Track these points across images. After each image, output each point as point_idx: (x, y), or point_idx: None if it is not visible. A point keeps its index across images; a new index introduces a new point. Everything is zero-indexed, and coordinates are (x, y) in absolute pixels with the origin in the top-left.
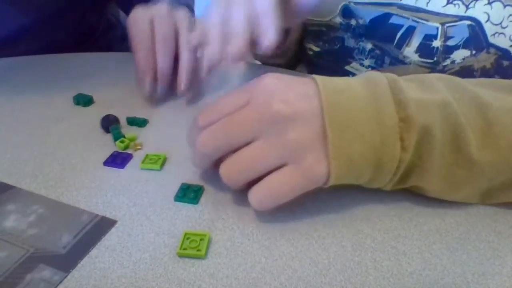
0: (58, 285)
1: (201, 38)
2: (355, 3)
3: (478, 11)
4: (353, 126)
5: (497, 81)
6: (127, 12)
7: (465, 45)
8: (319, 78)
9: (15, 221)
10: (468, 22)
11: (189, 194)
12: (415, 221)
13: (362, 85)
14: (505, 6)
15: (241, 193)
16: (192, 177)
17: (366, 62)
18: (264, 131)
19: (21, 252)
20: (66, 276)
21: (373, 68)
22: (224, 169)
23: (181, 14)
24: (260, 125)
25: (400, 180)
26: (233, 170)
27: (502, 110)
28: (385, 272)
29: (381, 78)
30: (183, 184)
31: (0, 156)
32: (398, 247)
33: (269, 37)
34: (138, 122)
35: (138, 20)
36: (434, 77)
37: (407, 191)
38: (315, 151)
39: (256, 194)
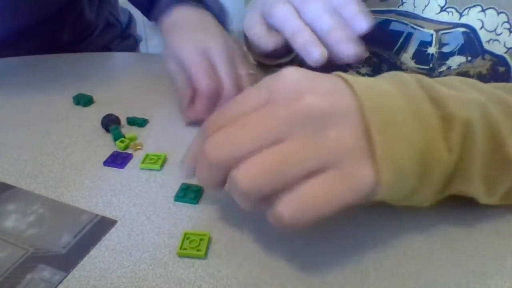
0: (58, 285)
1: (295, 43)
2: None
3: (472, 19)
4: (397, 126)
5: (508, 85)
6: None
7: (460, 51)
8: (342, 74)
9: (15, 221)
10: (463, 29)
11: (189, 194)
12: (415, 221)
13: (390, 84)
14: (498, 13)
15: None
16: (192, 177)
17: (363, 70)
18: (295, 129)
19: (21, 252)
20: (66, 276)
21: (370, 76)
22: (242, 174)
23: (236, 50)
24: (289, 123)
25: (443, 188)
26: (254, 175)
27: None
28: (385, 272)
29: (407, 76)
30: (183, 184)
31: (0, 156)
32: (398, 247)
33: (361, 20)
34: (138, 122)
35: (193, 56)
36: (456, 79)
37: None
38: (359, 153)
39: (287, 206)
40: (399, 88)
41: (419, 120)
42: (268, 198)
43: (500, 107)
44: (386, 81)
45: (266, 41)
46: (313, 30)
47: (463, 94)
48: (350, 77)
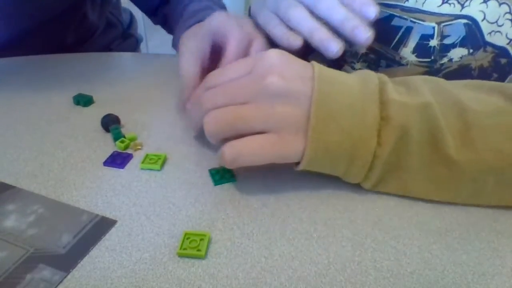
0: (58, 285)
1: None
2: None
3: (474, 10)
4: (336, 119)
5: (483, 84)
6: (142, 8)
7: (462, 43)
8: (317, 65)
9: (15, 221)
10: (464, 21)
11: (224, 175)
12: (415, 221)
13: (355, 81)
14: (500, 4)
15: (241, 193)
16: (193, 177)
17: (358, 65)
18: (256, 98)
19: (21, 252)
20: (66, 276)
21: None
22: (208, 119)
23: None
24: (253, 93)
25: (380, 179)
26: (216, 122)
27: (482, 114)
28: (385, 272)
29: (373, 78)
30: (211, 170)
31: (0, 156)
32: (398, 247)
33: (370, 8)
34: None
35: (225, 20)
36: (421, 80)
37: None
38: (297, 130)
39: (230, 148)
40: (360, 87)
41: (361, 115)
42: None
43: (454, 109)
44: (354, 79)
45: (294, 40)
46: (328, 23)
47: (411, 98)
48: (320, 68)
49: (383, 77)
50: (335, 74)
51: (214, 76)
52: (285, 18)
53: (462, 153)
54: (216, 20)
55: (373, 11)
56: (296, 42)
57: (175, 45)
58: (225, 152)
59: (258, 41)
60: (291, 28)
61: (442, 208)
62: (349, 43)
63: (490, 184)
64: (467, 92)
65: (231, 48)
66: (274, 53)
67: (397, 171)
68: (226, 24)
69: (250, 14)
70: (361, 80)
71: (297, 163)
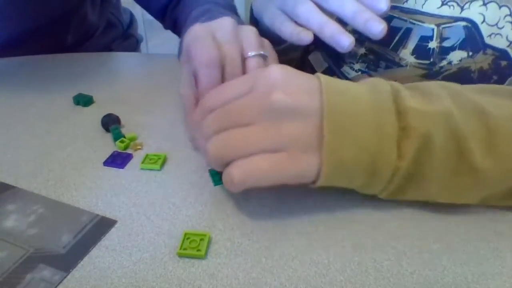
0: (58, 285)
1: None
2: None
3: (473, 12)
4: (351, 130)
5: (498, 88)
6: (147, 8)
7: (462, 46)
8: (323, 77)
9: (15, 221)
10: (464, 23)
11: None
12: (415, 221)
13: (365, 90)
14: (500, 6)
15: (241, 193)
16: (193, 177)
17: (357, 66)
18: (261, 117)
19: (21, 252)
20: (66, 276)
21: (364, 72)
22: (211, 145)
23: (248, 33)
24: (258, 112)
25: (398, 189)
26: (220, 147)
27: (503, 119)
28: (385, 272)
29: (384, 85)
30: (211, 171)
31: (0, 156)
32: (398, 247)
33: (380, 1)
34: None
35: (199, 38)
36: (438, 85)
37: None
38: (308, 147)
39: (238, 168)
40: (371, 96)
41: (377, 126)
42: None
43: (476, 115)
44: (364, 87)
45: (305, 35)
46: (339, 17)
47: (431, 106)
48: (326, 80)
49: (395, 84)
50: (343, 84)
51: (211, 97)
52: (294, 14)
53: (487, 161)
54: (186, 40)
55: (385, 3)
56: (308, 37)
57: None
58: (233, 173)
59: (220, 24)
60: (299, 24)
61: (442, 208)
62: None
63: (508, 193)
64: (485, 97)
65: (200, 77)
66: (275, 68)
67: (417, 181)
68: (192, 45)
69: (251, 13)
70: (371, 89)
71: (312, 182)
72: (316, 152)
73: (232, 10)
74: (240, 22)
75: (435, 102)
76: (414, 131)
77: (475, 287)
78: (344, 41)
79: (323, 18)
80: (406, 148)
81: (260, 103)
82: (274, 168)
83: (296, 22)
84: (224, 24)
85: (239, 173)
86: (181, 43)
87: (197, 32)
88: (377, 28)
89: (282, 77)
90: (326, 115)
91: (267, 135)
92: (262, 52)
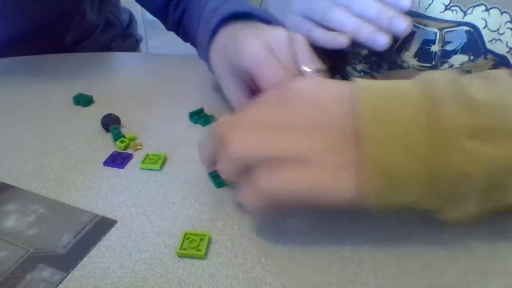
0: (58, 285)
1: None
2: None
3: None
4: (398, 137)
5: None
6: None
7: (463, 50)
8: (360, 80)
9: (15, 221)
10: (466, 28)
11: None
12: (415, 221)
13: (414, 87)
14: (502, 13)
15: None
16: (193, 177)
17: (359, 66)
18: (290, 127)
19: (21, 252)
20: (66, 276)
21: (366, 73)
22: (237, 138)
23: (302, 46)
24: (286, 121)
25: (476, 205)
26: (246, 142)
27: None
28: (385, 272)
29: (439, 77)
30: (211, 173)
31: (0, 156)
32: (398, 247)
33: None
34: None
35: (263, 60)
36: (506, 73)
37: None
38: (345, 159)
39: (269, 178)
40: (422, 92)
41: (431, 125)
42: (249, 171)
43: None
44: (412, 84)
45: (342, 39)
46: (364, 19)
47: (504, 96)
48: (364, 83)
49: (451, 74)
50: (384, 84)
51: (240, 118)
52: (325, 20)
53: None
54: (244, 57)
55: (408, 1)
56: (345, 40)
57: (203, 55)
58: (262, 184)
59: (276, 36)
60: (329, 29)
61: None
62: (356, 43)
63: None
64: None
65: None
66: (302, 81)
67: (498, 184)
68: (256, 67)
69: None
70: (421, 83)
71: (352, 200)
72: (354, 163)
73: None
74: (257, 8)
75: (505, 92)
76: (487, 128)
77: (475, 287)
78: (381, 40)
79: (357, 20)
80: (476, 148)
81: (288, 118)
82: (308, 180)
83: (324, 27)
84: (280, 39)
85: (269, 186)
86: (208, 43)
87: (258, 51)
88: (402, 25)
89: (309, 89)
90: (365, 124)
91: (296, 142)
92: (318, 67)
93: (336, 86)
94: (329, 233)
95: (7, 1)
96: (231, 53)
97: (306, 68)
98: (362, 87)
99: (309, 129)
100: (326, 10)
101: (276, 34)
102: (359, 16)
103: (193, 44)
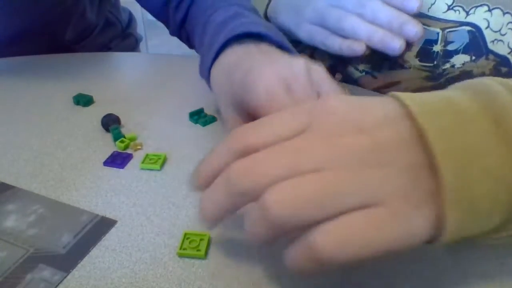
0: (58, 285)
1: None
2: None
3: (478, 18)
4: (471, 158)
5: None
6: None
7: (465, 50)
8: (403, 95)
9: (15, 221)
10: (468, 28)
11: None
12: None
13: (470, 100)
14: (504, 13)
15: None
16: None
17: (361, 66)
18: (334, 163)
19: (21, 252)
20: (66, 276)
21: (368, 73)
22: (276, 198)
23: (322, 77)
24: (331, 157)
25: None
26: (290, 200)
27: None
28: (385, 272)
29: (493, 85)
30: None
31: (0, 156)
32: None
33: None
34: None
35: (276, 96)
36: None
37: None
38: (417, 195)
39: (328, 236)
40: (481, 104)
41: (507, 144)
42: (294, 231)
43: None
44: (464, 96)
45: (358, 46)
46: (375, 25)
47: None
48: (409, 98)
49: (500, 80)
50: (431, 97)
51: (248, 134)
52: (338, 28)
53: None
54: (261, 91)
55: (415, 3)
56: (361, 47)
57: (203, 71)
58: (320, 244)
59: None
60: (343, 37)
61: None
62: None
63: None
64: None
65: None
66: (336, 99)
67: None
68: (268, 104)
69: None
70: (475, 94)
71: (428, 240)
72: (430, 200)
73: (256, 13)
74: (270, 27)
75: None
76: None
77: (475, 287)
78: (395, 44)
79: (370, 26)
80: None
81: (327, 148)
82: (376, 228)
83: (339, 35)
84: (299, 73)
85: (328, 243)
86: (213, 61)
87: (273, 88)
88: (414, 30)
89: (348, 109)
90: (432, 142)
91: (350, 185)
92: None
93: (374, 105)
94: None
95: (6, 1)
96: (238, 78)
97: None
98: (414, 104)
99: (361, 160)
100: (339, 18)
101: (295, 67)
102: (371, 22)
103: (197, 51)
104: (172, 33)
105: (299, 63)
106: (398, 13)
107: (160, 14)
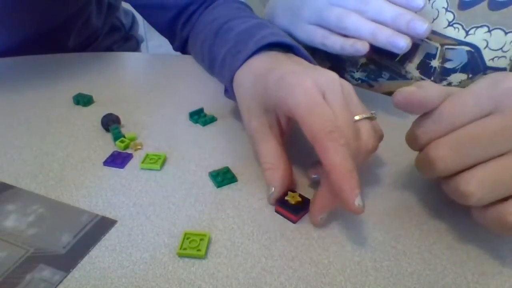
0: (58, 285)
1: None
2: None
3: (477, 38)
4: None
5: None
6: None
7: (463, 69)
8: None
9: (15, 221)
10: (467, 48)
11: (226, 175)
12: (415, 221)
13: None
14: (506, 33)
15: (241, 193)
16: (193, 177)
17: (357, 74)
18: None
19: (21, 252)
20: (66, 276)
21: (363, 81)
22: (476, 184)
23: (351, 92)
24: None
25: None
26: (489, 186)
27: None
28: (385, 272)
29: None
30: (211, 172)
31: (0, 156)
32: (398, 247)
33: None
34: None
35: (314, 104)
36: None
37: (406, 190)
38: None
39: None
40: None
41: None
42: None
43: None
44: None
45: (362, 45)
46: (380, 23)
47: None
48: None
49: None
50: None
51: (427, 123)
52: (340, 27)
53: None
54: (299, 99)
55: (421, 1)
56: (364, 47)
57: (225, 75)
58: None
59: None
60: (346, 36)
61: (442, 209)
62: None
63: None
64: None
65: (329, 148)
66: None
67: None
68: (307, 113)
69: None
70: None
71: None
72: None
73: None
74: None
75: None
76: None
77: (475, 287)
78: (401, 42)
79: (374, 25)
80: None
81: None
82: None
83: (340, 34)
84: (333, 84)
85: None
86: (237, 68)
87: (311, 96)
88: (421, 27)
89: None
90: None
91: None
92: (370, 114)
93: None
94: (329, 233)
95: (11, 8)
96: (273, 81)
97: (357, 118)
98: None
99: None
100: (340, 16)
101: (330, 77)
102: (375, 20)
103: (197, 55)
104: (176, 49)
105: (333, 74)
106: (403, 10)
107: (167, 30)
